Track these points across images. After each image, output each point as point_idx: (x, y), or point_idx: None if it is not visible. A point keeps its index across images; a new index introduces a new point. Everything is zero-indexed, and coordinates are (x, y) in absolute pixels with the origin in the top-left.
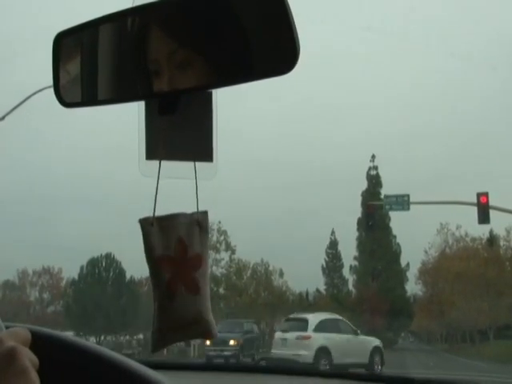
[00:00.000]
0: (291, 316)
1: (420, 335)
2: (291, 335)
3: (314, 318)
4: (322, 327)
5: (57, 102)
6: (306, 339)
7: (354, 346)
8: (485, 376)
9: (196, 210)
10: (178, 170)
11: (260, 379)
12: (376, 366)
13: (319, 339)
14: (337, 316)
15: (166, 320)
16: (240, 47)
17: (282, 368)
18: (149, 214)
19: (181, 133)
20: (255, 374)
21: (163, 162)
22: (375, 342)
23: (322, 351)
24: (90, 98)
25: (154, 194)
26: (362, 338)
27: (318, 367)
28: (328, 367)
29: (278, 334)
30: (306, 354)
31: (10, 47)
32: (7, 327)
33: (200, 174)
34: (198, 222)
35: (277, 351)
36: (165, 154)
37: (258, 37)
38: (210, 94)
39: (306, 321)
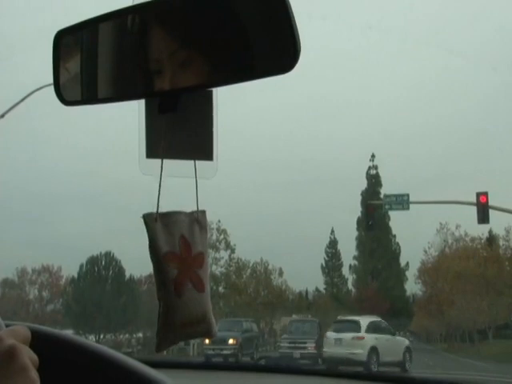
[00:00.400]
0: (340, 318)
1: (419, 335)
2: (346, 335)
3: (363, 320)
4: (371, 328)
5: (57, 100)
6: (360, 339)
7: (393, 345)
8: (483, 375)
9: (195, 209)
10: (178, 169)
11: (259, 378)
12: (407, 364)
13: (371, 339)
14: (379, 318)
15: (174, 317)
16: (241, 46)
17: (281, 367)
18: (148, 211)
19: (181, 131)
20: (254, 373)
21: (164, 161)
22: (406, 341)
23: (373, 350)
24: (90, 96)
25: (157, 191)
26: (397, 338)
27: (369, 365)
28: (376, 365)
29: (330, 334)
30: (361, 353)
31: (10, 44)
32: (7, 325)
33: (200, 172)
34: (198, 220)
35: (329, 350)
36: (165, 153)
37: (258, 35)
38: (211, 92)
39: (357, 323)
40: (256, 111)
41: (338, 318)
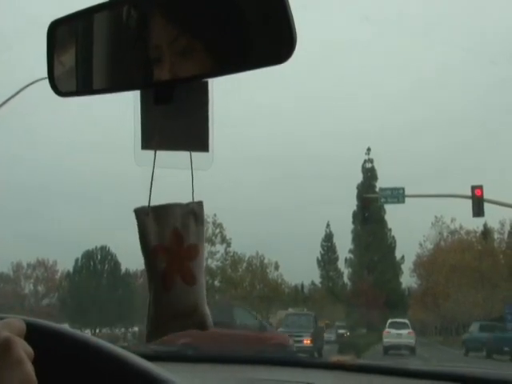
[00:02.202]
0: (392, 320)
1: (415, 327)
2: (404, 331)
3: (407, 321)
4: (411, 327)
5: (52, 94)
6: (411, 334)
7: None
8: (478, 368)
9: (191, 201)
10: (173, 160)
11: (255, 370)
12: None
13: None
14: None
15: (162, 310)
16: (236, 36)
17: (277, 359)
18: (144, 204)
19: (176, 122)
20: (250, 366)
21: (158, 152)
22: None
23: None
24: (84, 87)
25: (150, 184)
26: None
27: (415, 348)
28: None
29: (392, 330)
30: (413, 342)
31: (5, 37)
32: (1, 318)
33: (195, 164)
34: (194, 212)
35: (391, 340)
36: (160, 144)
37: (254, 26)
38: (206, 83)
39: (406, 323)
40: (253, 105)
41: (390, 320)
